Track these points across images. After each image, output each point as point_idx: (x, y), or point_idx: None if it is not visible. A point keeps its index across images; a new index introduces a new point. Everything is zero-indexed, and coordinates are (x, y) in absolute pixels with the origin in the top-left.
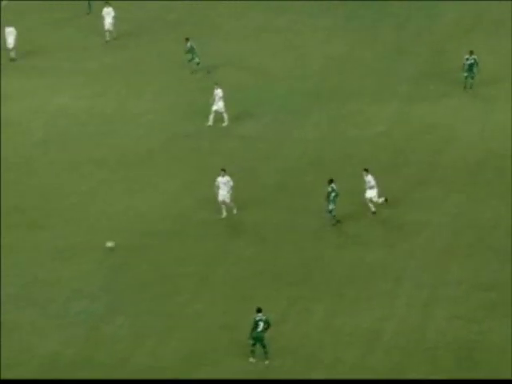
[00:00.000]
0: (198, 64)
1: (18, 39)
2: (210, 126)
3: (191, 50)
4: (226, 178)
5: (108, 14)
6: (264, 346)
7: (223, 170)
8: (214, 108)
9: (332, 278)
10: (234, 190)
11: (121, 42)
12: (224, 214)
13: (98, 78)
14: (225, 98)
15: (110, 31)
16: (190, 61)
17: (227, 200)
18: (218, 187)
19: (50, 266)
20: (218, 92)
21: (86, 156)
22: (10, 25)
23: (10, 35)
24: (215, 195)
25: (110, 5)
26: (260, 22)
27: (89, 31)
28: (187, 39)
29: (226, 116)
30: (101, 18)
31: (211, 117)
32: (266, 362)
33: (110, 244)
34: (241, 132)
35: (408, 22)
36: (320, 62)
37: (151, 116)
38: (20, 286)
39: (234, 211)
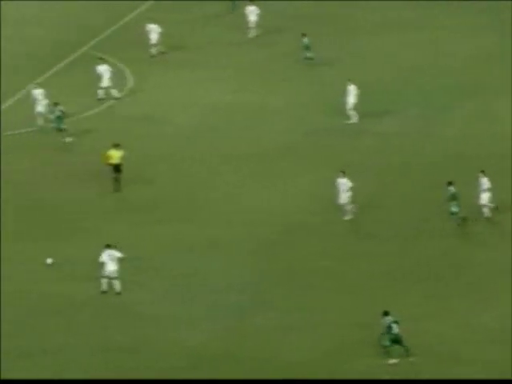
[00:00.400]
0: (311, 59)
1: (161, 37)
2: (350, 123)
3: (306, 46)
4: (344, 180)
5: (251, 12)
6: (404, 345)
7: (342, 172)
8: (348, 105)
9: (462, 276)
10: (365, 189)
11: (264, 38)
12: (348, 216)
13: (241, 73)
14: (359, 95)
15: (253, 28)
16: (306, 58)
17: (344, 202)
18: (338, 189)
19: (199, 258)
20: (351, 88)
21: (229, 150)
22: (153, 22)
23: (153, 32)
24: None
25: (253, 3)
26: (404, 16)
27: (234, 28)
28: (303, 35)
29: (352, 113)
30: (244, 16)
31: (350, 114)
32: (412, 359)
33: (49, 261)
34: (379, 129)
35: None
36: (463, 56)
37: (290, 111)
38: (172, 278)
39: (350, 215)
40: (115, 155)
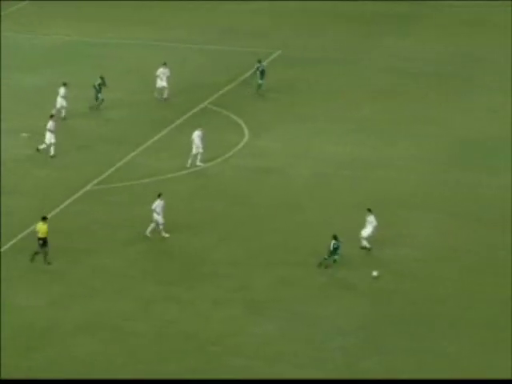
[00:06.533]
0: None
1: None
2: None
3: (261, 72)
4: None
5: None
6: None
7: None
8: None
9: None
10: None
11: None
12: None
13: (360, 126)
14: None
15: None
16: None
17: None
18: None
19: (313, 301)
20: None
21: (345, 199)
22: (165, 66)
23: (163, 76)
24: None
25: None
26: None
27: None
28: (259, 61)
29: None
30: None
31: None
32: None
33: (374, 273)
34: (495, 183)
35: None
36: None
37: (402, 162)
38: (284, 320)
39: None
40: (42, 229)
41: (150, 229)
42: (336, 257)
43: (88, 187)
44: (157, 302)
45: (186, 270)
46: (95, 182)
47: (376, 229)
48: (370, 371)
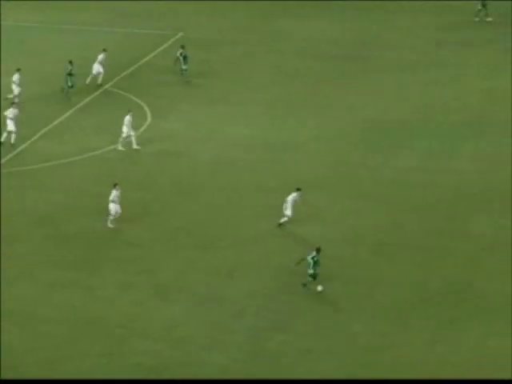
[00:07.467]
0: (185, 70)
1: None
2: None
3: (184, 57)
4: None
5: None
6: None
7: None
8: None
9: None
10: None
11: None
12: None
13: (268, 109)
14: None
15: None
16: (181, 70)
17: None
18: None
19: (219, 284)
20: None
21: (249, 182)
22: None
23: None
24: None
25: None
26: (420, 56)
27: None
28: (182, 46)
29: None
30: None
31: None
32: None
33: (319, 288)
34: (398, 164)
35: None
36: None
37: (309, 144)
38: (192, 303)
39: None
40: None
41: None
42: (312, 271)
43: None
44: (61, 287)
45: (91, 255)
46: None
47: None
48: (274, 351)
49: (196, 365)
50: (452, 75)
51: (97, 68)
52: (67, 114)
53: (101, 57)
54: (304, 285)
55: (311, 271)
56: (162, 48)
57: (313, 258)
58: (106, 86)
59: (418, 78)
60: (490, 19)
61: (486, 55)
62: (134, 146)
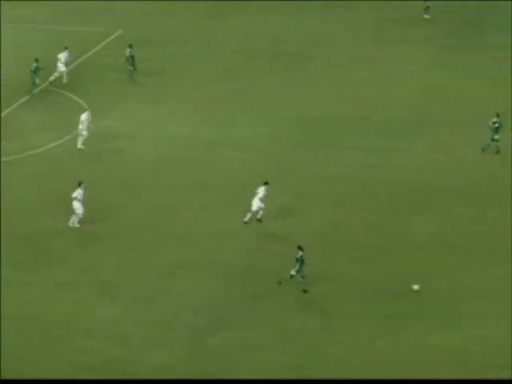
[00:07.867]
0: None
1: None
2: None
3: (131, 57)
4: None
5: None
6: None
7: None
8: None
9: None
10: None
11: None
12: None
13: (208, 106)
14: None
15: None
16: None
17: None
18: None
19: (160, 282)
20: None
21: (190, 179)
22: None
23: (64, 60)
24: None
25: None
26: (362, 53)
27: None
28: (130, 45)
29: None
30: None
31: None
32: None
33: (415, 287)
34: (339, 161)
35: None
36: (416, 92)
37: (249, 142)
38: (134, 301)
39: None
40: None
41: (71, 220)
42: (302, 273)
43: None
44: (2, 285)
45: (32, 253)
46: None
47: (262, 201)
48: (217, 348)
49: (139, 363)
50: (392, 72)
51: (61, 67)
52: (9, 110)
53: (63, 55)
54: (305, 291)
55: (302, 273)
56: (101, 46)
57: (300, 258)
58: (45, 84)
59: (359, 75)
60: (427, 17)
61: (424, 53)
62: (79, 146)
